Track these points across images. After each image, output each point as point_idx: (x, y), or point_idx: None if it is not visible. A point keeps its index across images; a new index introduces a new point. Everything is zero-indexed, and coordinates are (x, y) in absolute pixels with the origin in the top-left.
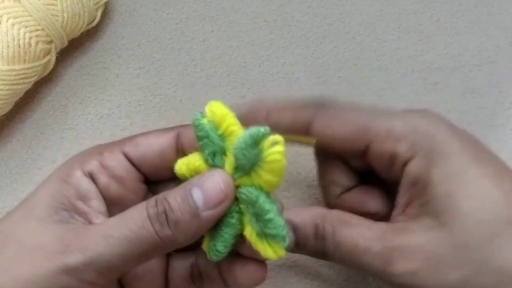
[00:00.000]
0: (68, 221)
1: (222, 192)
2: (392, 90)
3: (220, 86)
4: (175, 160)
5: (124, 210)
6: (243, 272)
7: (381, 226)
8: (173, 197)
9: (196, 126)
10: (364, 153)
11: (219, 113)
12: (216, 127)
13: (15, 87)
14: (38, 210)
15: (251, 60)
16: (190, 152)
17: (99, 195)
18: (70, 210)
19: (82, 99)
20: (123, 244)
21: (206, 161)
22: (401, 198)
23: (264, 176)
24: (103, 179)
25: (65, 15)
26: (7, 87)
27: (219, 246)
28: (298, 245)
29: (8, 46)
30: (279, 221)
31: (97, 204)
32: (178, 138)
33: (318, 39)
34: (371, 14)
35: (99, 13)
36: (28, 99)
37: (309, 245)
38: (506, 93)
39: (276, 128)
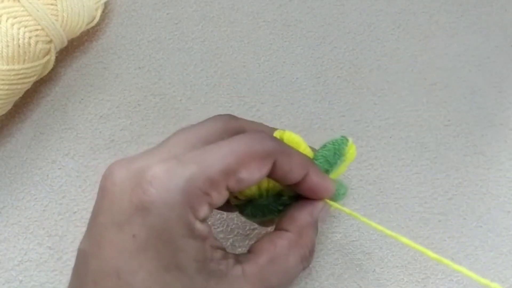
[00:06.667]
0: (220, 271)
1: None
2: (392, 90)
3: (220, 86)
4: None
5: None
6: None
7: None
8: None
9: None
10: None
11: (296, 140)
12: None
13: (14, 86)
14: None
15: (251, 60)
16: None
17: (213, 235)
18: (211, 263)
19: (82, 99)
20: None
21: None
22: None
23: (340, 170)
24: (210, 218)
25: (65, 15)
26: (6, 86)
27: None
28: None
29: (8, 46)
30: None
31: (218, 243)
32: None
33: (318, 39)
34: (371, 14)
35: (98, 13)
36: (28, 99)
37: None
38: (506, 93)
39: None
